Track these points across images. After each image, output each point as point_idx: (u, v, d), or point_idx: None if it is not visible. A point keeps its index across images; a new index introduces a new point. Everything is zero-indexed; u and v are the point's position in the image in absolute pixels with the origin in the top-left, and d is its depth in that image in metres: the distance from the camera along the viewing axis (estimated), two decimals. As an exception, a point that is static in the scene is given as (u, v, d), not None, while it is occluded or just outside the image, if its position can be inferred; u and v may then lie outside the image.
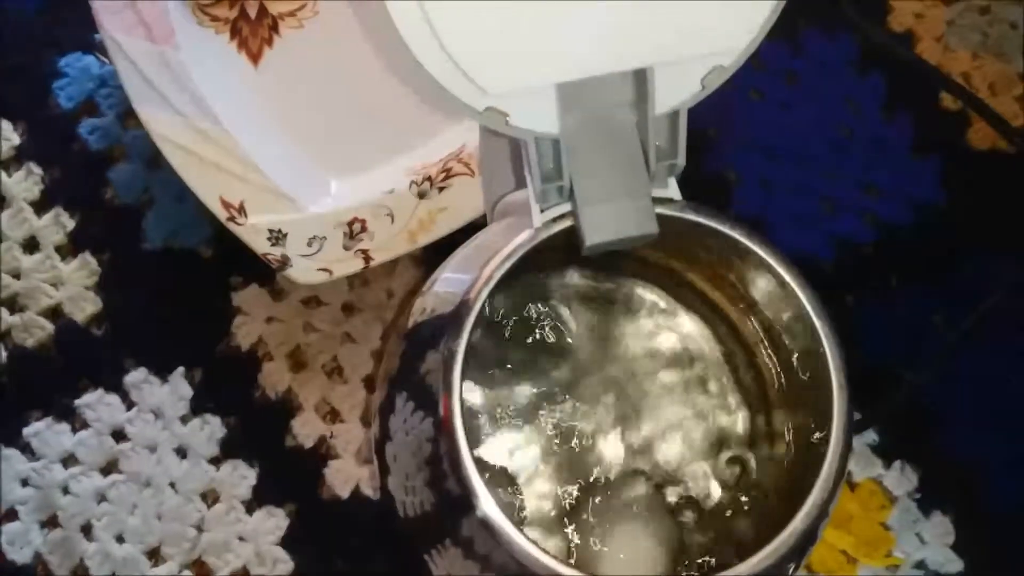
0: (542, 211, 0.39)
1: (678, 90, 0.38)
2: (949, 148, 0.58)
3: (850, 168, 0.58)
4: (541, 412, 0.46)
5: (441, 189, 0.52)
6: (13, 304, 0.54)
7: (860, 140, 0.59)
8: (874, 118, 0.59)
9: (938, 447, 0.53)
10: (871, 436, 0.53)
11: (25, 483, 0.52)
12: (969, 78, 0.60)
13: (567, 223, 0.39)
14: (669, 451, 0.47)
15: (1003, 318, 0.54)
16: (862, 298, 0.56)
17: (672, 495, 0.46)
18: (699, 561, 0.44)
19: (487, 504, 0.36)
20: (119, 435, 0.52)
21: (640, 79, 0.38)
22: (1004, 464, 0.53)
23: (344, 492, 0.52)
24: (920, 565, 0.52)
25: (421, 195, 0.52)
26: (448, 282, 0.42)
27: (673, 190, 0.40)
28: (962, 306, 0.54)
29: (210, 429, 0.53)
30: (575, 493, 0.46)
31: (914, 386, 0.53)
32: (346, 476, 0.52)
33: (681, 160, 0.40)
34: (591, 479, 0.46)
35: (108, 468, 0.52)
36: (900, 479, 0.53)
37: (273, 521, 0.52)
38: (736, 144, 0.58)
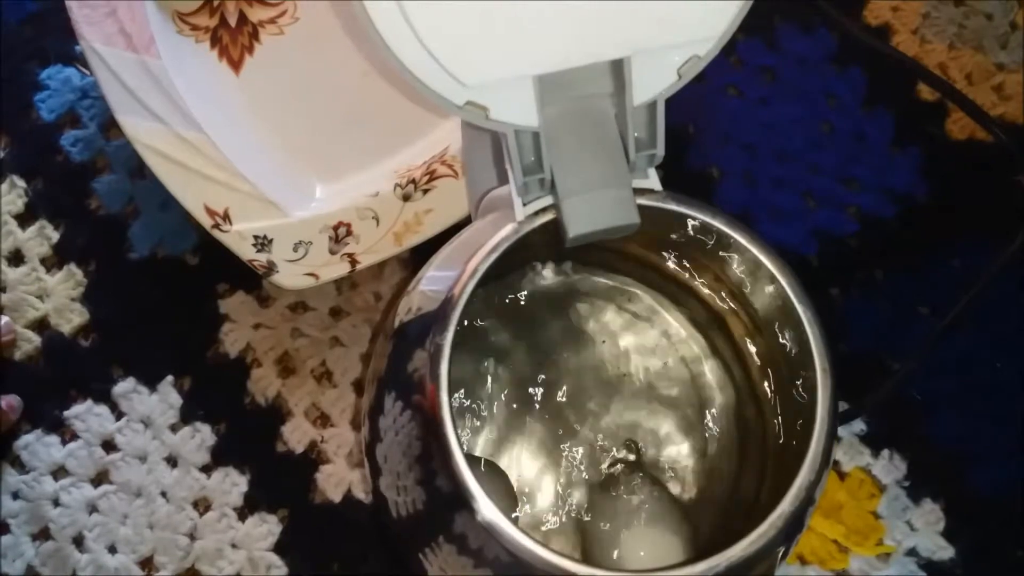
0: (524, 204, 0.40)
1: (655, 80, 0.39)
2: (928, 139, 0.59)
3: (831, 162, 0.59)
4: (531, 408, 0.47)
5: (425, 191, 0.52)
6: (-1, 317, 0.54)
7: (840, 134, 0.59)
8: (853, 112, 0.60)
9: (926, 435, 0.54)
10: (859, 426, 0.54)
11: (16, 496, 0.52)
12: (946, 69, 0.60)
13: (550, 216, 0.40)
14: (661, 443, 0.47)
15: (987, 305, 0.54)
16: (847, 290, 0.56)
17: (667, 483, 0.46)
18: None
19: (478, 496, 0.36)
20: (109, 446, 0.52)
21: (617, 70, 0.39)
22: (991, 450, 0.53)
23: (336, 496, 0.52)
24: (911, 552, 0.52)
25: (406, 197, 0.52)
26: (433, 280, 0.42)
27: (653, 180, 0.41)
28: (947, 295, 0.54)
29: (200, 437, 0.53)
30: (570, 487, 0.46)
31: (901, 376, 0.53)
32: (338, 480, 0.52)
33: (660, 150, 0.40)
34: (585, 472, 0.46)
35: (99, 479, 0.52)
36: (889, 467, 0.53)
37: (265, 527, 0.52)
38: (718, 141, 0.59)
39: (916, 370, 0.54)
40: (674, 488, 0.46)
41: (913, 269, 0.57)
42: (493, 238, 0.39)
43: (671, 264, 0.46)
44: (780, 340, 0.42)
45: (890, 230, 0.57)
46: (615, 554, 0.44)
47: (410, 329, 0.41)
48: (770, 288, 0.41)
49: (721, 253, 0.42)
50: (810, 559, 0.52)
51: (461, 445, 0.37)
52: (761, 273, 0.41)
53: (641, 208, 0.40)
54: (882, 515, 0.53)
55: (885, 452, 0.53)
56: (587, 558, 0.44)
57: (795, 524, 0.37)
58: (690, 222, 0.41)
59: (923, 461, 0.53)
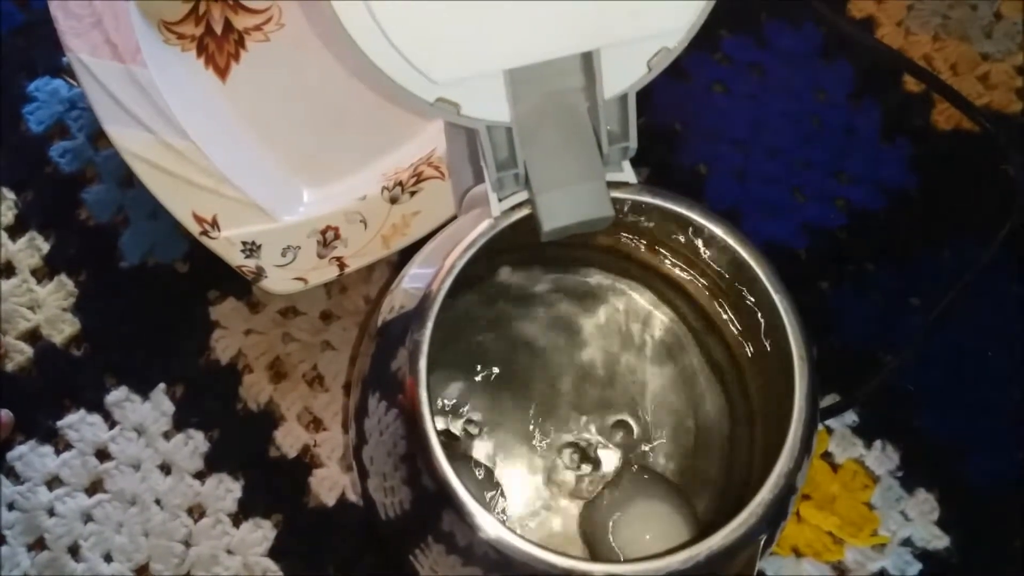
0: (500, 200, 0.40)
1: (626, 73, 0.39)
2: (915, 131, 0.59)
3: (820, 156, 0.59)
4: (523, 404, 0.47)
5: (413, 193, 0.52)
6: (-9, 329, 0.54)
7: (829, 128, 0.59)
8: (841, 106, 0.60)
9: (918, 426, 0.54)
10: (851, 417, 0.53)
11: (11, 507, 0.52)
12: (931, 60, 0.60)
13: (526, 211, 0.40)
14: (653, 433, 0.47)
15: (977, 295, 0.54)
16: (838, 283, 0.56)
17: (661, 470, 0.46)
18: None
19: (460, 491, 0.36)
20: (103, 454, 0.53)
21: (588, 63, 0.39)
22: (984, 439, 0.53)
23: (330, 500, 0.52)
24: (906, 542, 0.52)
25: (393, 200, 0.52)
26: (415, 278, 0.42)
27: (628, 174, 0.41)
28: (937, 286, 0.54)
29: (193, 444, 0.53)
30: (566, 479, 0.46)
31: (893, 367, 0.53)
32: (331, 484, 0.52)
33: (633, 143, 0.40)
34: (579, 464, 0.46)
35: (93, 488, 0.52)
36: (882, 458, 0.53)
37: (260, 532, 0.52)
38: (707, 138, 0.59)
39: (907, 361, 0.53)
40: (670, 474, 0.46)
41: (903, 261, 0.56)
42: (470, 235, 0.39)
43: (654, 257, 0.46)
44: (763, 329, 0.42)
45: (880, 222, 0.57)
46: (618, 541, 0.44)
47: (392, 328, 0.41)
48: (748, 277, 0.41)
49: (700, 245, 0.42)
50: (805, 551, 0.51)
51: (442, 441, 0.37)
52: (739, 262, 0.41)
53: (617, 201, 0.40)
54: (876, 506, 0.52)
55: (878, 443, 0.53)
56: (590, 547, 0.44)
57: (777, 511, 0.37)
58: (666, 215, 0.41)
59: (916, 451, 0.53)
